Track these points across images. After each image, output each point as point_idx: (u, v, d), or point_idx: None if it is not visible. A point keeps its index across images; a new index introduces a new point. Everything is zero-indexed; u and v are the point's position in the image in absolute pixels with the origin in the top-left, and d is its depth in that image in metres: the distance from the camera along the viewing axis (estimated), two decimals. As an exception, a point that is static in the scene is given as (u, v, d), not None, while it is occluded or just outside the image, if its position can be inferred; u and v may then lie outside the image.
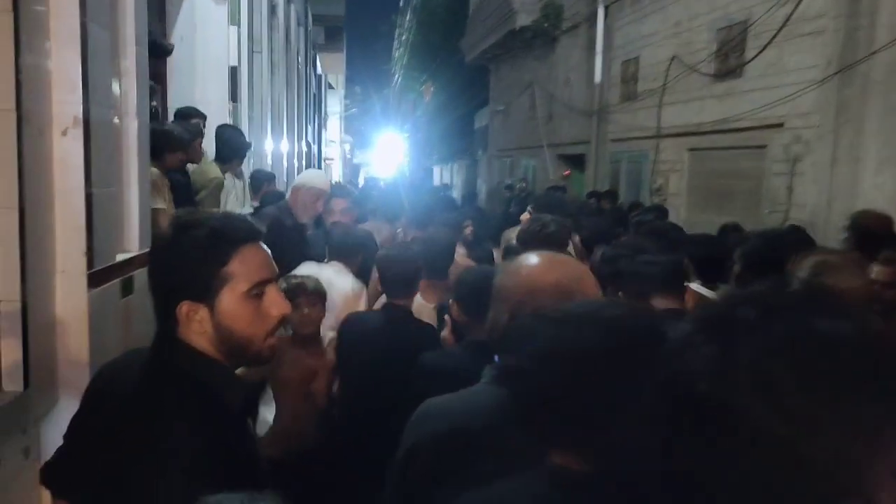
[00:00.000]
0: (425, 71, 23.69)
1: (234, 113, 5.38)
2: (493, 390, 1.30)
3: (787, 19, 6.01)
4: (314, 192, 3.57)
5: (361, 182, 23.48)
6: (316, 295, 2.60)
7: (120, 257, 2.42)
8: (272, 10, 8.31)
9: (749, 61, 6.60)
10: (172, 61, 4.95)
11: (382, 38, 34.24)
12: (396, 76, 31.82)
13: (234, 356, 1.17)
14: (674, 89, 7.99)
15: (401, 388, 1.91)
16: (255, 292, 1.14)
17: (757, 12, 6.49)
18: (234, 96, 5.37)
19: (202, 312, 1.12)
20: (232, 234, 1.14)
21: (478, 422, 1.25)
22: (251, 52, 6.41)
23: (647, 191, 8.65)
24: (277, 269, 1.21)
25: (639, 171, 9.08)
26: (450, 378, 1.42)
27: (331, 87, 35.38)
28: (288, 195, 3.65)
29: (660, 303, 2.16)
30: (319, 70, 23.38)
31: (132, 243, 2.58)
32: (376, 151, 45.95)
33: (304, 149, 14.12)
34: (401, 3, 28.48)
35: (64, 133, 2.06)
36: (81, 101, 2.06)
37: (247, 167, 5.54)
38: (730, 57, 6.97)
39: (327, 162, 31.35)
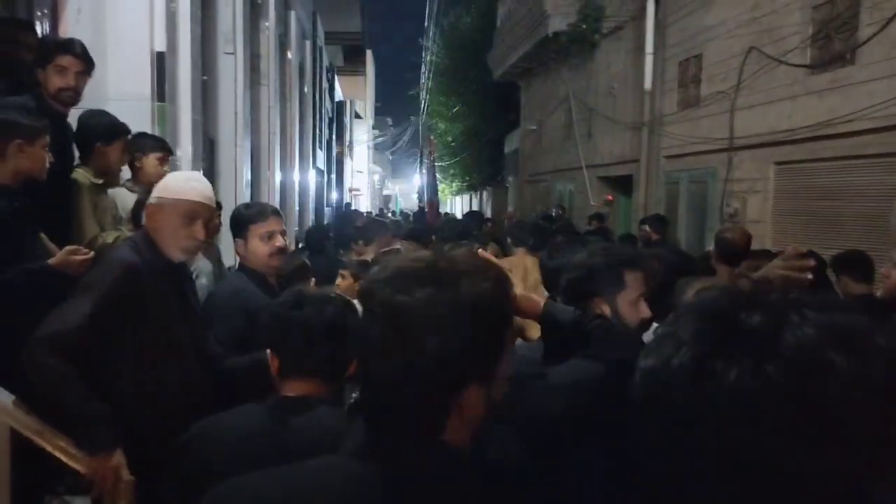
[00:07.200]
0: (453, 95, 22.38)
1: (161, 116, 3.90)
2: None
3: (928, -23, 4.34)
4: (185, 209, 2.01)
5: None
6: None
7: None
8: (252, 6, 6.92)
9: (865, 42, 4.91)
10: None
11: (414, 67, 33.27)
12: (424, 103, 30.66)
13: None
14: (752, 89, 6.31)
15: None
16: None
17: (874, -23, 4.83)
18: (160, 94, 3.90)
19: (482, 394, 0.88)
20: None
21: None
22: (207, 43, 4.99)
23: (717, 217, 6.93)
24: None
25: (703, 194, 7.36)
26: None
27: (358, 116, 34.56)
28: (143, 219, 2.11)
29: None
30: (340, 96, 22.28)
31: None
32: (406, 181, 45.10)
33: (313, 178, 12.74)
34: (426, 24, 27.44)
35: None
36: None
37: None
38: (834, 40, 5.29)
39: (353, 193, 30.24)
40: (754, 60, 6.26)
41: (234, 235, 2.56)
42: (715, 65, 7.02)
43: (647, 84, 8.42)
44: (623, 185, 9.78)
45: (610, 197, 10.27)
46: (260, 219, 2.51)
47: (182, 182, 2.09)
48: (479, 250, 1.47)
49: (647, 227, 6.67)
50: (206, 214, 2.06)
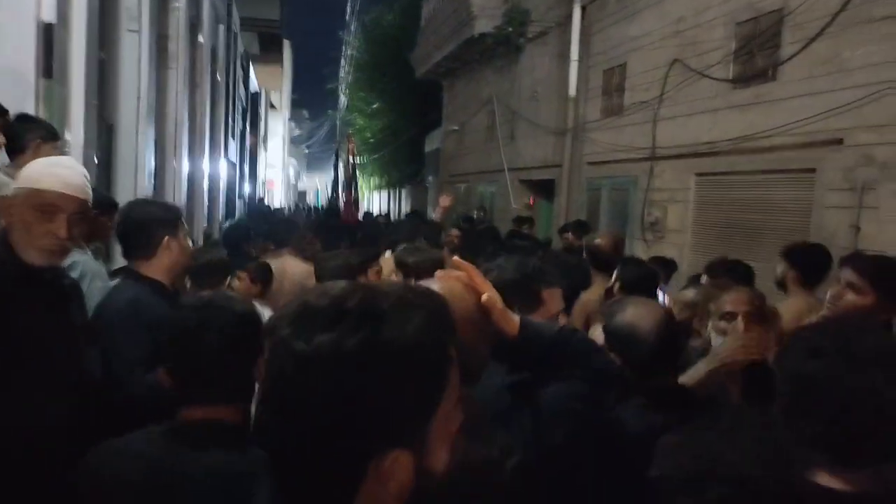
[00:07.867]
0: (373, 91, 21.96)
1: (48, 95, 3.41)
2: None
3: (848, 1, 4.46)
4: (40, 201, 1.66)
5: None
6: None
7: None
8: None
9: (787, 60, 5.03)
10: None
11: (334, 61, 32.58)
12: (343, 97, 29.99)
13: None
14: (675, 100, 6.39)
15: None
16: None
17: (796, -2, 4.95)
18: (47, 70, 3.41)
19: (406, 461, 0.71)
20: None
21: None
22: (108, 18, 4.47)
23: (639, 225, 7.00)
24: None
25: (625, 202, 7.43)
26: None
27: (272, 106, 33.41)
28: None
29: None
30: (255, 86, 21.39)
31: None
32: (323, 175, 44.17)
33: (224, 169, 12.09)
34: (347, 17, 26.88)
35: None
36: None
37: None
38: (757, 56, 5.40)
39: (266, 186, 29.23)
40: (678, 72, 6.34)
41: (163, 234, 2.21)
42: (639, 75, 7.08)
43: (571, 90, 8.43)
44: (545, 189, 9.79)
45: (532, 200, 10.27)
46: (181, 216, 2.36)
47: (41, 169, 1.71)
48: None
49: (569, 235, 6.59)
50: (69, 208, 1.69)
